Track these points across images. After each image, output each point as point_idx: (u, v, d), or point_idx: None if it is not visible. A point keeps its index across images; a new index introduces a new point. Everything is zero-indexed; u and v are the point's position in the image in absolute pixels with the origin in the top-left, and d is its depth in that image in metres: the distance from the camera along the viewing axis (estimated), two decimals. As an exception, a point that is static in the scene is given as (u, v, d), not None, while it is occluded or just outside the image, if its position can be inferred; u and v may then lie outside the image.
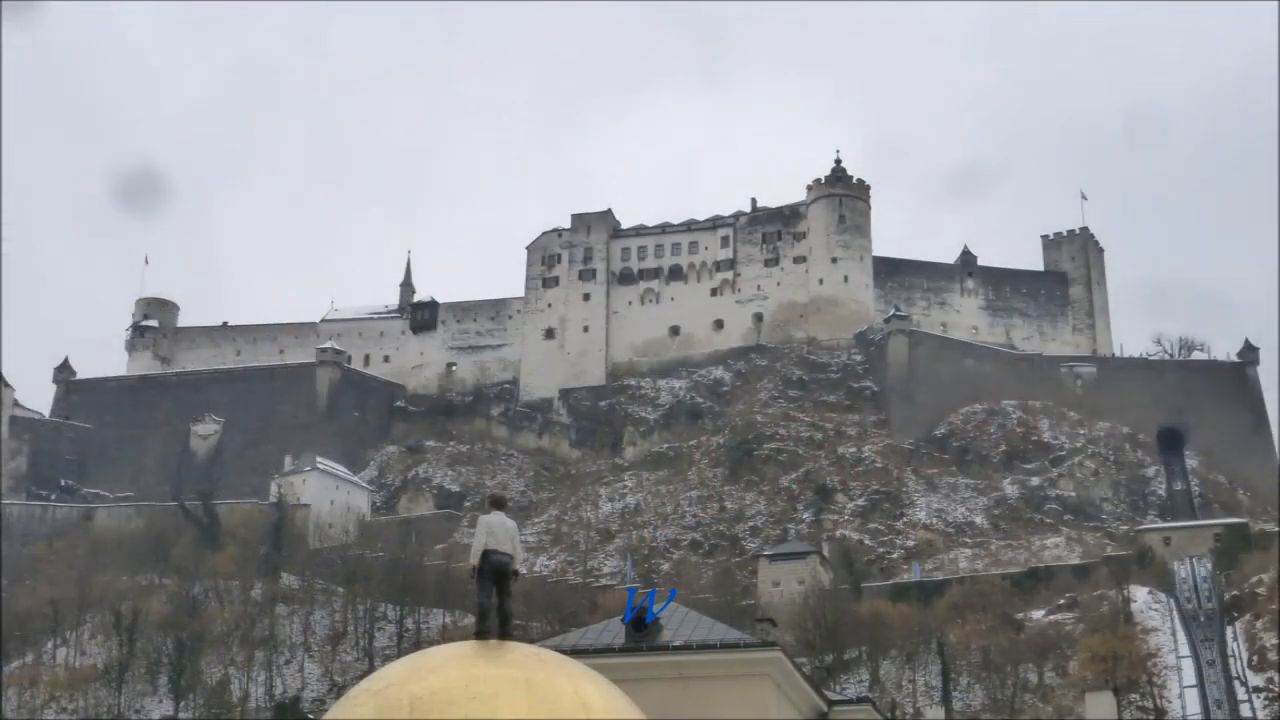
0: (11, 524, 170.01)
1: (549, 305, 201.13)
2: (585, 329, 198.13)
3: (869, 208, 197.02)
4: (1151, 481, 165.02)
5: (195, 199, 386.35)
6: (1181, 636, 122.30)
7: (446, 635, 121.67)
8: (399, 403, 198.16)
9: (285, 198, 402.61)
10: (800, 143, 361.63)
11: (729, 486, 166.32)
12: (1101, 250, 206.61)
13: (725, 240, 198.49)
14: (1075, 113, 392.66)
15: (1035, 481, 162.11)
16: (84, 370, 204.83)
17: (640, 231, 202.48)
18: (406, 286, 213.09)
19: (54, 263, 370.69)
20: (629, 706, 18.85)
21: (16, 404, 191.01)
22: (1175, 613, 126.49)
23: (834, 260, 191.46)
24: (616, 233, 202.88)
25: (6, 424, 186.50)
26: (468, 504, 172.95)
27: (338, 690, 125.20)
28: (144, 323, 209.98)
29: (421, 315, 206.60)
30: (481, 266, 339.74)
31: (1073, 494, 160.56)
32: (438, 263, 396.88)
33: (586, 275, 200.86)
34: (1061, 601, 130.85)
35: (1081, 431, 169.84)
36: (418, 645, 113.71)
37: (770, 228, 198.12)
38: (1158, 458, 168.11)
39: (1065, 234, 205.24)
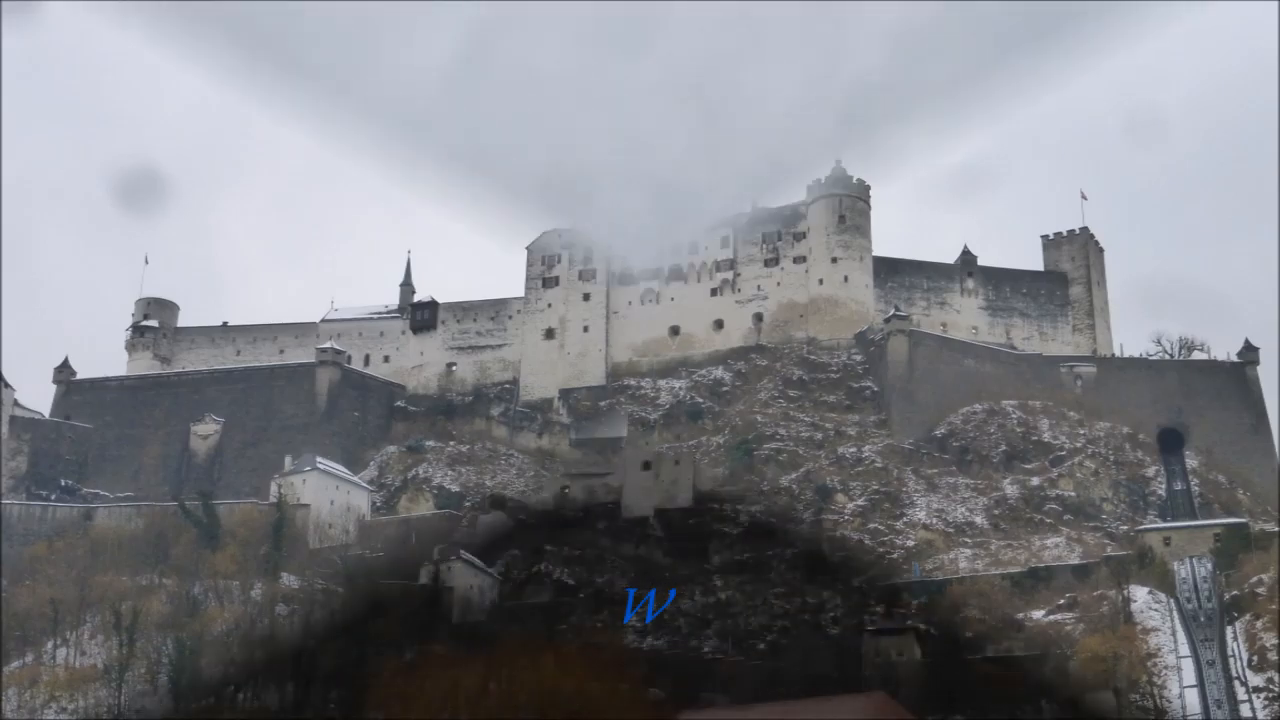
0: (11, 524, 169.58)
1: (549, 305, 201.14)
2: (585, 329, 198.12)
3: (869, 208, 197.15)
4: (1151, 481, 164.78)
5: (195, 199, 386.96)
6: (1181, 636, 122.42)
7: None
8: (399, 403, 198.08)
9: (285, 198, 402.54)
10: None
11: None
12: (1101, 250, 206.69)
13: (725, 240, 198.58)
14: (1075, 113, 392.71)
15: (1035, 481, 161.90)
16: (84, 370, 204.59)
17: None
18: (406, 286, 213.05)
19: (54, 263, 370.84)
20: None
21: (16, 404, 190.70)
22: (1175, 613, 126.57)
23: (834, 260, 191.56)
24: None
25: (6, 424, 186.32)
26: (468, 504, 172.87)
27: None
28: (144, 323, 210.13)
29: (421, 315, 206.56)
30: (481, 266, 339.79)
31: (1073, 494, 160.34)
32: (438, 263, 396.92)
33: (586, 275, 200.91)
34: (1061, 601, 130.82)
35: (1081, 431, 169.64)
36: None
37: (770, 228, 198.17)
38: (1158, 458, 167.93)
39: (1065, 234, 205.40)
